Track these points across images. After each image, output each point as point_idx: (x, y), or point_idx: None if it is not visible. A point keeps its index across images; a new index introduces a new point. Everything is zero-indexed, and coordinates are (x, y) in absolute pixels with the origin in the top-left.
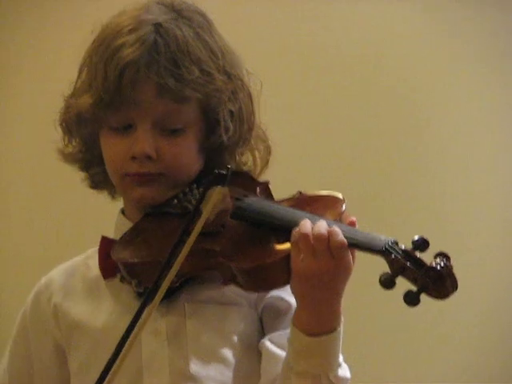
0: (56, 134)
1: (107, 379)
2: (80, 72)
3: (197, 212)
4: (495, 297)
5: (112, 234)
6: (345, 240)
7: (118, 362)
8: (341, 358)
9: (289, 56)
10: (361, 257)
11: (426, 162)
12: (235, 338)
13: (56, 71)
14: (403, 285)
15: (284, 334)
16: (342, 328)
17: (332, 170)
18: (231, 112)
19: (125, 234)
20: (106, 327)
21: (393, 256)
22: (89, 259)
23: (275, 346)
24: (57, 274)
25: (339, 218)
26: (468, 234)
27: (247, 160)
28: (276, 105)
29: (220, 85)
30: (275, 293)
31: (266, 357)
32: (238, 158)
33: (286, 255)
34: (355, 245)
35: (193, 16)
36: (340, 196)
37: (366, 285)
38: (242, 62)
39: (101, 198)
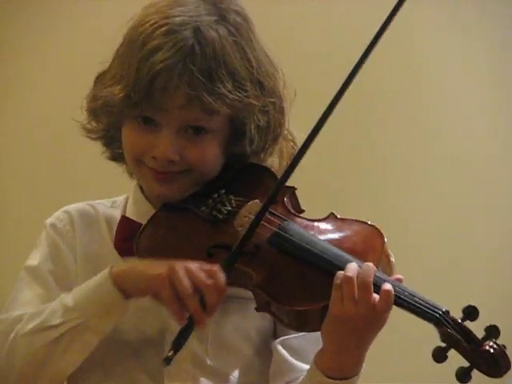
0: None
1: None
2: (114, 59)
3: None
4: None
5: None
6: (392, 302)
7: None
8: None
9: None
10: None
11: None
12: (254, 334)
13: (57, 67)
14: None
15: (296, 338)
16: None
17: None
18: (259, 125)
19: (145, 226)
20: None
21: (448, 330)
22: (114, 209)
23: (287, 352)
24: (77, 215)
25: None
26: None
27: (272, 163)
28: None
29: (252, 99)
30: None
31: (277, 361)
32: (262, 160)
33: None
34: (409, 309)
35: (235, 19)
36: (380, 231)
37: None
38: (278, 70)
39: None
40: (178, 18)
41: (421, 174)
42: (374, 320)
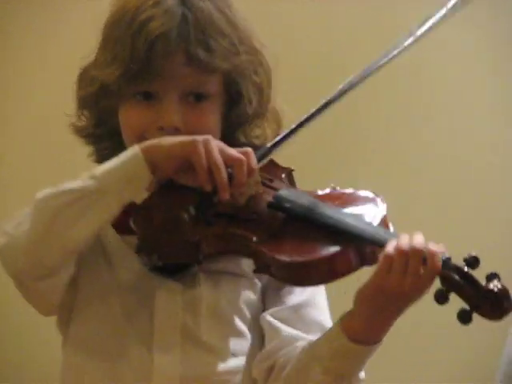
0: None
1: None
2: (100, 48)
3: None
4: None
5: None
6: (440, 265)
7: None
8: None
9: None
10: None
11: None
12: (246, 309)
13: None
14: None
15: (283, 308)
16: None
17: None
18: (254, 84)
19: (143, 202)
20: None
21: (449, 274)
22: None
23: (276, 320)
24: None
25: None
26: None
27: (259, 134)
28: None
29: (245, 57)
30: None
31: (269, 330)
32: (252, 131)
33: (331, 257)
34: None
35: None
36: (381, 200)
37: None
38: (256, 36)
39: None
40: None
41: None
42: (417, 292)
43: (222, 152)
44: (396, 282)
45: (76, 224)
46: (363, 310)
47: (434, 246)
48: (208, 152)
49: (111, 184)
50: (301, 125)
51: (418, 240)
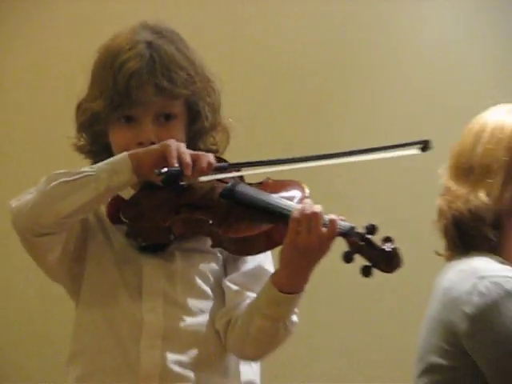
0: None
1: None
2: (90, 85)
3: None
4: None
5: None
6: (336, 229)
7: None
8: (296, 309)
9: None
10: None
11: None
12: (211, 277)
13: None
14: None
15: (238, 274)
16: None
17: None
18: (209, 104)
19: (129, 200)
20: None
21: (353, 239)
22: None
23: (233, 284)
24: None
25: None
26: None
27: (214, 142)
28: None
29: (200, 85)
30: None
31: (228, 292)
32: (209, 141)
33: (267, 231)
34: (340, 232)
35: (171, 35)
36: (302, 184)
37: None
38: (208, 67)
39: None
40: (133, 40)
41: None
42: (321, 246)
43: (187, 150)
44: (304, 240)
45: (69, 197)
46: (285, 267)
47: (333, 215)
48: (178, 148)
49: (102, 172)
50: (257, 164)
51: (317, 206)
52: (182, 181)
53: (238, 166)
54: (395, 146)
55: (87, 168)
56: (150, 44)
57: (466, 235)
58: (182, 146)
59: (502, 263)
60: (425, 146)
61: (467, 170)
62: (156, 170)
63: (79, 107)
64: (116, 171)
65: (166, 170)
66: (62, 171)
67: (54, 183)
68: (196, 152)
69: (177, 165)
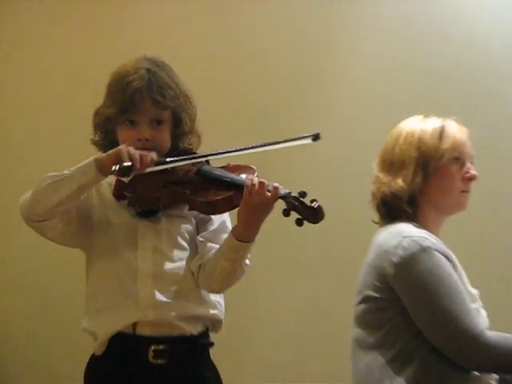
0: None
1: None
2: (105, 96)
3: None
4: None
5: None
6: (278, 194)
7: None
8: (248, 254)
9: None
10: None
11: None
12: (186, 234)
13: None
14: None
15: (207, 232)
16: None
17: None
18: (188, 115)
19: (128, 181)
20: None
21: (289, 199)
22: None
23: (203, 239)
24: None
25: None
26: None
27: (190, 143)
28: None
29: (182, 100)
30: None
31: (200, 245)
32: (186, 141)
33: (228, 196)
34: (283, 197)
35: (163, 65)
36: (253, 167)
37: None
38: (188, 87)
39: None
40: (137, 67)
41: None
42: (267, 205)
43: (136, 151)
44: (255, 200)
45: (55, 193)
46: (242, 220)
47: (276, 184)
48: (128, 150)
49: (76, 173)
50: (201, 157)
51: (262, 179)
52: (133, 172)
53: (174, 162)
54: (296, 139)
55: (67, 171)
56: (148, 70)
57: (391, 210)
58: (132, 149)
59: (418, 227)
60: (316, 137)
61: (389, 164)
62: (112, 167)
63: (96, 112)
64: (85, 172)
65: (118, 166)
66: (50, 174)
67: (44, 183)
68: (142, 151)
69: (129, 162)
